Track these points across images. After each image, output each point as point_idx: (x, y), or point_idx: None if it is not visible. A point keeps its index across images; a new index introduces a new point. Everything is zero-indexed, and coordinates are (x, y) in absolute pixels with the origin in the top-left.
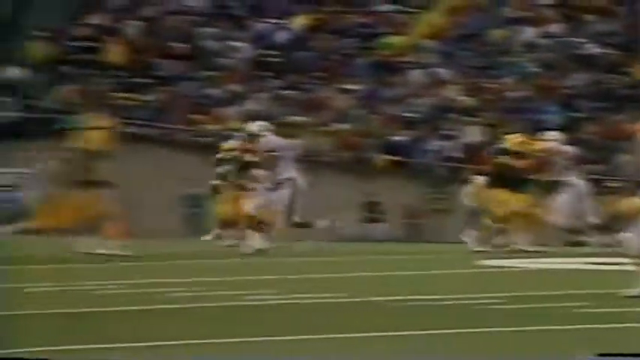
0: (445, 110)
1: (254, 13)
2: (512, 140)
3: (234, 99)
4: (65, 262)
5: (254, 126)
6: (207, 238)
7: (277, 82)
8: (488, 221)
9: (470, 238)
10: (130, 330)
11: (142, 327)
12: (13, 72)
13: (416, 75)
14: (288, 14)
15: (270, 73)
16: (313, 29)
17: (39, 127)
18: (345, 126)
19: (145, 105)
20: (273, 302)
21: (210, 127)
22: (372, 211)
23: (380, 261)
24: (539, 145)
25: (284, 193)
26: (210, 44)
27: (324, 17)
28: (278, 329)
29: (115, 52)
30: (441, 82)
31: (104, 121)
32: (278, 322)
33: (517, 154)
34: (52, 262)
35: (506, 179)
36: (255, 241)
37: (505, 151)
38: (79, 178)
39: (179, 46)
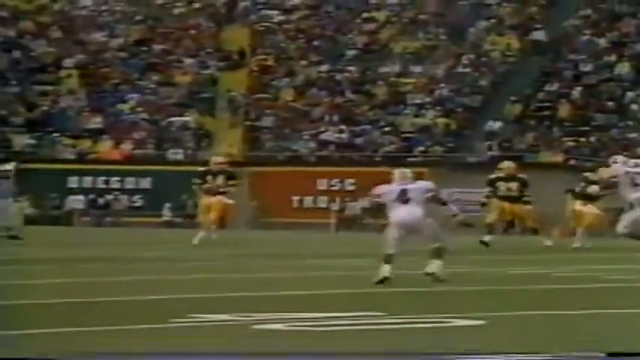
0: None
1: None
2: None
3: None
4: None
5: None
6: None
7: None
8: None
9: None
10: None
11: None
12: (495, 125)
13: None
14: None
15: None
16: None
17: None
18: None
19: (585, 146)
20: None
21: None
22: None
23: None
24: None
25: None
26: (632, 102)
27: None
28: None
29: (563, 109)
30: None
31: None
32: None
33: None
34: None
35: None
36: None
37: None
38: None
39: (609, 104)
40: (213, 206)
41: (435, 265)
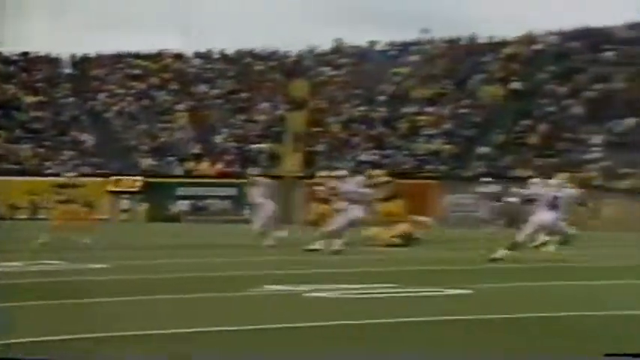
0: None
1: None
2: None
3: None
4: None
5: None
6: None
7: None
8: None
9: None
10: None
11: None
12: (483, 149)
13: None
14: None
15: None
16: None
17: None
18: None
19: (550, 165)
20: None
21: None
22: None
23: None
24: None
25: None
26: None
27: None
28: None
29: (532, 138)
30: None
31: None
32: None
33: None
34: None
35: None
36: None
37: None
38: None
39: (567, 135)
40: None
41: None
